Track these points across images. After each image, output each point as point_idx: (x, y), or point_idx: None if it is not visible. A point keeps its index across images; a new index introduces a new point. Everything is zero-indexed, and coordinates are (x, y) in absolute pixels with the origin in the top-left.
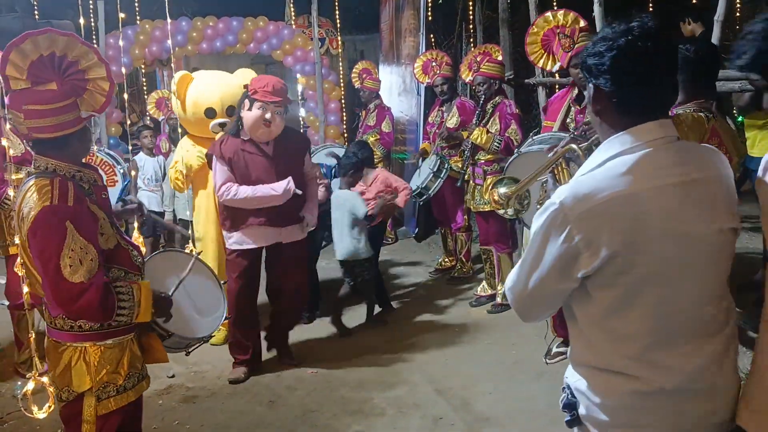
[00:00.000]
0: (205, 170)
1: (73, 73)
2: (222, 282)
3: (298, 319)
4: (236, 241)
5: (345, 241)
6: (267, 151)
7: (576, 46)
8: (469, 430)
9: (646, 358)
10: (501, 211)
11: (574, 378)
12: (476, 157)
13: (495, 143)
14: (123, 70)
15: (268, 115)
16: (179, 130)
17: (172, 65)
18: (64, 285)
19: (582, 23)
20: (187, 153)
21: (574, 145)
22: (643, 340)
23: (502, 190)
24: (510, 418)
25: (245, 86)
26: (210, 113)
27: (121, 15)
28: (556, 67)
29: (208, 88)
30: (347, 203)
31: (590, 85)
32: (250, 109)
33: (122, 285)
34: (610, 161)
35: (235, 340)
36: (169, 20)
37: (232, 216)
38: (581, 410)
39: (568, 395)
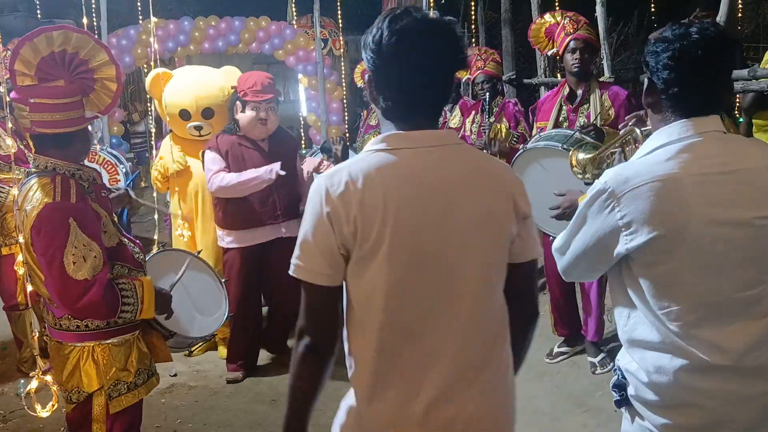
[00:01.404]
0: (185, 176)
1: (82, 72)
2: (223, 280)
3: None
4: (234, 239)
5: None
6: (263, 146)
7: (577, 32)
8: None
9: (693, 335)
10: (579, 176)
11: (625, 359)
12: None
13: (514, 138)
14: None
15: (262, 114)
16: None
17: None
18: (68, 282)
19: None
20: (167, 154)
21: (636, 129)
22: (688, 317)
23: (581, 155)
24: None
25: (233, 88)
26: (184, 115)
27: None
28: (552, 51)
29: (183, 89)
30: None
31: (646, 79)
32: (243, 111)
33: (125, 282)
34: (659, 149)
35: (234, 341)
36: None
37: (230, 213)
38: (630, 390)
39: (619, 375)
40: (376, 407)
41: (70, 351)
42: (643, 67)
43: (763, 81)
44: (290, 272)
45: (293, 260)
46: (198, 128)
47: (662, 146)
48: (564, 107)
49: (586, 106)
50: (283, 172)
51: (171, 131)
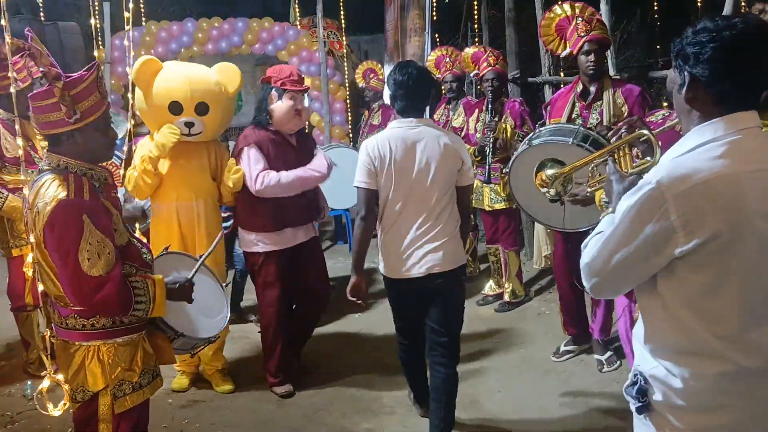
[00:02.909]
0: (172, 179)
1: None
2: (224, 284)
3: (318, 321)
4: (270, 242)
5: None
6: (292, 142)
7: (591, 33)
8: (477, 428)
9: (741, 338)
10: (543, 190)
11: (649, 365)
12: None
13: (519, 138)
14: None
15: (299, 105)
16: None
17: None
18: (83, 278)
19: (598, 15)
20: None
21: (645, 131)
22: (737, 319)
23: (550, 171)
24: (518, 415)
25: (265, 79)
26: (175, 108)
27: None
28: (565, 53)
29: (177, 78)
30: None
31: (685, 73)
32: (279, 100)
33: (137, 280)
34: (703, 146)
35: (278, 353)
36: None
37: (264, 214)
38: (656, 396)
39: (641, 381)
40: (389, 236)
41: (76, 350)
42: (677, 61)
43: None
44: (354, 184)
45: (355, 183)
46: (189, 125)
47: (707, 143)
48: (577, 104)
49: (599, 103)
50: (336, 164)
51: (148, 132)
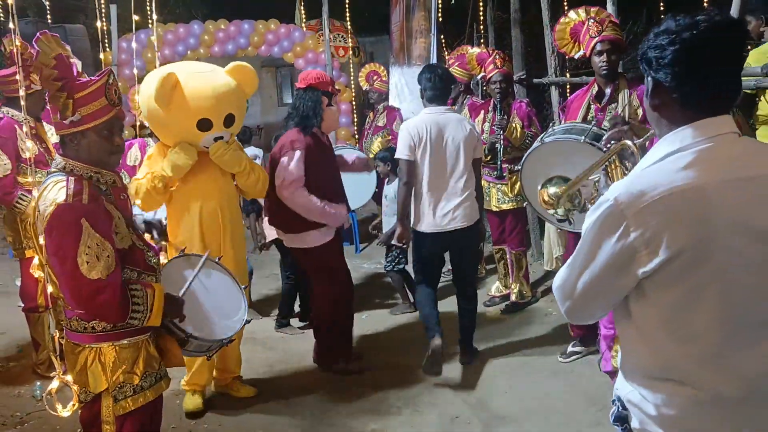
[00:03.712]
0: (193, 188)
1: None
2: (243, 287)
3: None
4: (324, 232)
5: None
6: (325, 141)
7: (603, 33)
8: (485, 429)
9: (720, 362)
10: (551, 212)
11: (626, 389)
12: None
13: (528, 138)
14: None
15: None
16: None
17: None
18: (81, 282)
19: (611, 16)
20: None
21: (628, 141)
22: (714, 341)
23: (552, 189)
24: (526, 416)
25: (311, 84)
26: (204, 125)
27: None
28: (578, 54)
29: (204, 93)
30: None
31: (649, 78)
32: (330, 104)
33: (137, 287)
34: (670, 156)
35: (346, 340)
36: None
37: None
38: (634, 423)
39: (619, 407)
40: (424, 199)
41: (80, 351)
42: (642, 65)
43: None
44: (396, 155)
45: (397, 154)
46: (217, 139)
47: (674, 152)
48: (592, 106)
49: (614, 105)
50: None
51: (157, 141)
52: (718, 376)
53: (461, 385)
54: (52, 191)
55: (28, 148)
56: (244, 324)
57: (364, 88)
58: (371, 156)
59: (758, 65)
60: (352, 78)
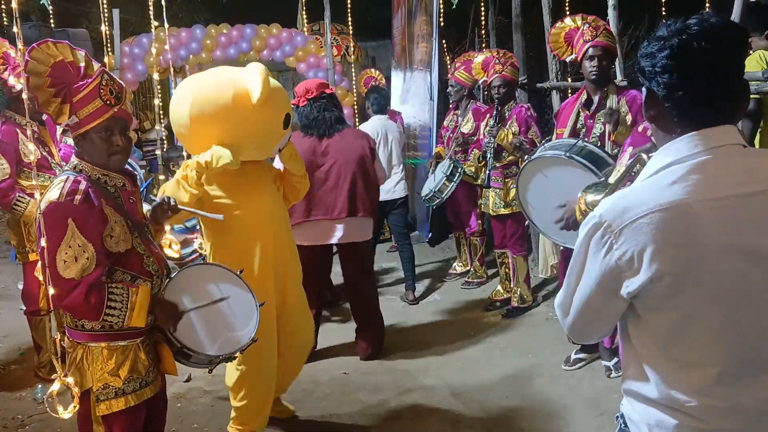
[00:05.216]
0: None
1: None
2: (260, 304)
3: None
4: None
5: None
6: None
7: (596, 39)
8: None
9: (713, 391)
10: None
11: (627, 407)
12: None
13: (525, 144)
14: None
15: None
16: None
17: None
18: (57, 279)
19: (605, 24)
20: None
21: (644, 156)
22: (711, 369)
23: (590, 197)
24: (526, 421)
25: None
26: (287, 121)
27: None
28: (571, 57)
29: (276, 94)
30: None
31: (644, 88)
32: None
33: (116, 286)
34: (663, 170)
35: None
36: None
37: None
38: None
39: (622, 424)
40: None
41: (75, 348)
42: (638, 75)
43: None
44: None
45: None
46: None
47: (667, 166)
48: (582, 114)
49: (603, 112)
50: None
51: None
52: (717, 409)
53: (462, 390)
54: (52, 190)
55: (31, 151)
56: (251, 342)
57: (363, 94)
58: None
59: (753, 71)
60: (354, 82)
